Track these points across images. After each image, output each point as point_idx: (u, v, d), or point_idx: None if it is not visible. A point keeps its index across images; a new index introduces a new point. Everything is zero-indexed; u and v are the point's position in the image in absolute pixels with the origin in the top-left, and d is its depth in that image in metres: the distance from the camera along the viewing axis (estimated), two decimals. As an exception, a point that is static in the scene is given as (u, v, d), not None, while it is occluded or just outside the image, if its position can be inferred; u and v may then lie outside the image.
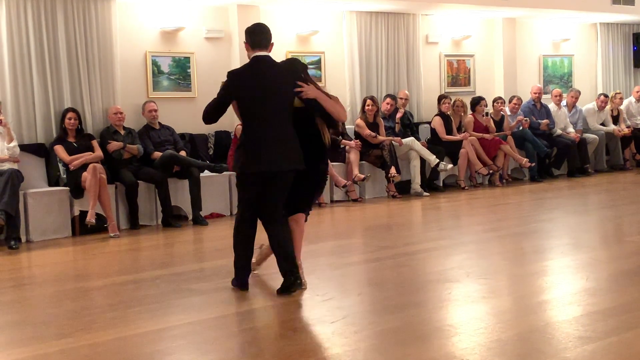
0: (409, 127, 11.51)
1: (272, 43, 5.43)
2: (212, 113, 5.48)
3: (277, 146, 5.25)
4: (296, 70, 5.50)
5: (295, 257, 5.37)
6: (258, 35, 5.36)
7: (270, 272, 5.87)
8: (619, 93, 13.84)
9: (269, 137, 5.24)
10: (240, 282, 5.49)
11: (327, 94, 5.45)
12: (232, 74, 5.40)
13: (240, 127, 9.29)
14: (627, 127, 13.46)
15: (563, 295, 5.20)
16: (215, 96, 5.48)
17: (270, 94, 5.27)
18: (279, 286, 5.37)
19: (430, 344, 4.20)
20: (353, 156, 10.41)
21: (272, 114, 5.28)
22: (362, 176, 10.24)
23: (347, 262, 6.60)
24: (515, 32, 13.51)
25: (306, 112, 5.40)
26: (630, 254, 6.42)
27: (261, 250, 5.89)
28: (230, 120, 10.31)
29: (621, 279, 5.58)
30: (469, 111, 12.04)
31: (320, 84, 5.58)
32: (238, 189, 5.52)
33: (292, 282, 5.29)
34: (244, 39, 5.46)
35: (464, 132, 11.60)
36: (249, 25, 5.51)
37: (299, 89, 5.31)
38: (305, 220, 5.60)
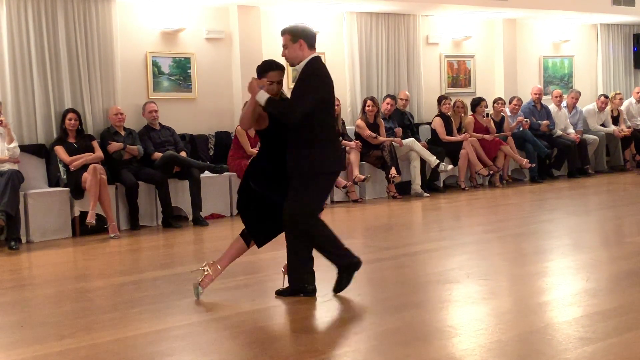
0: (409, 128, 11.51)
1: None
2: (308, 109, 5.12)
3: (339, 145, 5.38)
4: None
5: None
6: (314, 36, 5.29)
7: (270, 274, 5.87)
8: (619, 94, 13.85)
9: (336, 136, 5.45)
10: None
11: None
12: (324, 73, 5.21)
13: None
14: (627, 128, 13.46)
15: (563, 296, 5.20)
16: (307, 94, 5.08)
17: (334, 94, 5.41)
18: (281, 287, 5.38)
19: (431, 345, 4.20)
20: (353, 157, 10.41)
21: (334, 114, 5.47)
22: (363, 177, 10.25)
23: (347, 262, 6.58)
24: (516, 33, 13.51)
25: None
26: (631, 255, 6.42)
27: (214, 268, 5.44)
28: (231, 121, 10.35)
29: (622, 280, 5.58)
30: (469, 112, 12.05)
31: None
32: (312, 189, 5.14)
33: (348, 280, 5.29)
34: (291, 38, 5.17)
35: (464, 133, 11.60)
36: (300, 24, 5.32)
37: None
38: None
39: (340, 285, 5.25)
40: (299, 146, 5.14)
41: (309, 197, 5.16)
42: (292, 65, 5.26)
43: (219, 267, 5.37)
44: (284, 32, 5.26)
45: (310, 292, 5.25)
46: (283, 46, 5.25)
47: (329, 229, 5.26)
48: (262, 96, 5.10)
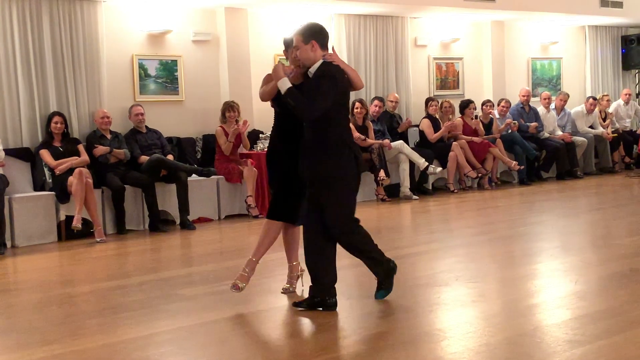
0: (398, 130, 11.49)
1: None
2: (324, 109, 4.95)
3: (355, 147, 5.22)
4: None
5: None
6: (327, 36, 5.11)
7: (259, 277, 5.82)
8: (606, 95, 13.91)
9: (352, 138, 5.21)
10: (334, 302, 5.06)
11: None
12: (337, 73, 5.00)
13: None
14: (613, 132, 13.49)
15: (552, 298, 5.19)
16: (324, 91, 4.89)
17: (348, 96, 5.32)
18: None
19: (420, 348, 4.18)
20: (342, 159, 10.36)
21: (347, 116, 5.36)
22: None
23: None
24: (504, 35, 13.54)
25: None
26: (620, 257, 6.41)
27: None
28: (218, 124, 10.29)
29: (610, 282, 5.57)
30: (458, 114, 12.06)
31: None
32: (346, 195, 5.19)
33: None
34: (302, 39, 4.98)
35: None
36: (312, 24, 5.15)
37: None
38: None
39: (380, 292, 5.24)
40: (315, 151, 5.00)
41: (347, 202, 5.22)
42: (303, 67, 5.10)
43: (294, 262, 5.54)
44: (295, 33, 5.10)
45: (331, 305, 5.03)
46: (294, 47, 5.10)
47: (366, 233, 5.35)
48: (284, 84, 4.96)
